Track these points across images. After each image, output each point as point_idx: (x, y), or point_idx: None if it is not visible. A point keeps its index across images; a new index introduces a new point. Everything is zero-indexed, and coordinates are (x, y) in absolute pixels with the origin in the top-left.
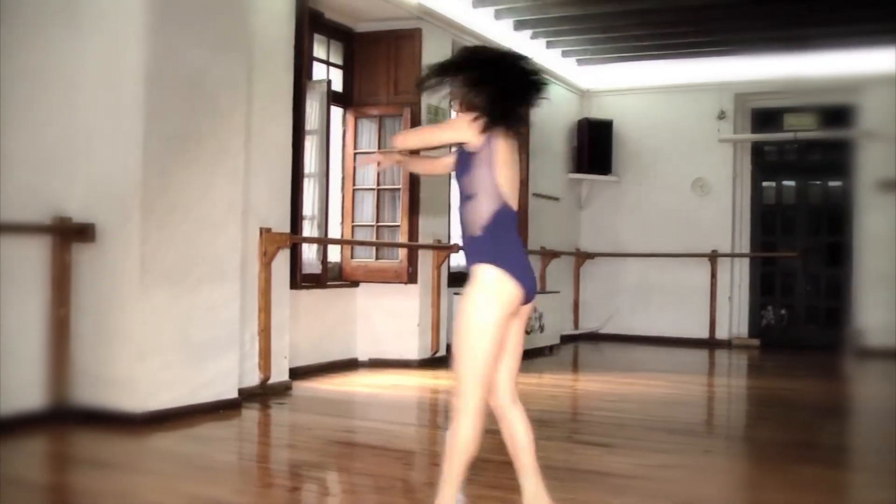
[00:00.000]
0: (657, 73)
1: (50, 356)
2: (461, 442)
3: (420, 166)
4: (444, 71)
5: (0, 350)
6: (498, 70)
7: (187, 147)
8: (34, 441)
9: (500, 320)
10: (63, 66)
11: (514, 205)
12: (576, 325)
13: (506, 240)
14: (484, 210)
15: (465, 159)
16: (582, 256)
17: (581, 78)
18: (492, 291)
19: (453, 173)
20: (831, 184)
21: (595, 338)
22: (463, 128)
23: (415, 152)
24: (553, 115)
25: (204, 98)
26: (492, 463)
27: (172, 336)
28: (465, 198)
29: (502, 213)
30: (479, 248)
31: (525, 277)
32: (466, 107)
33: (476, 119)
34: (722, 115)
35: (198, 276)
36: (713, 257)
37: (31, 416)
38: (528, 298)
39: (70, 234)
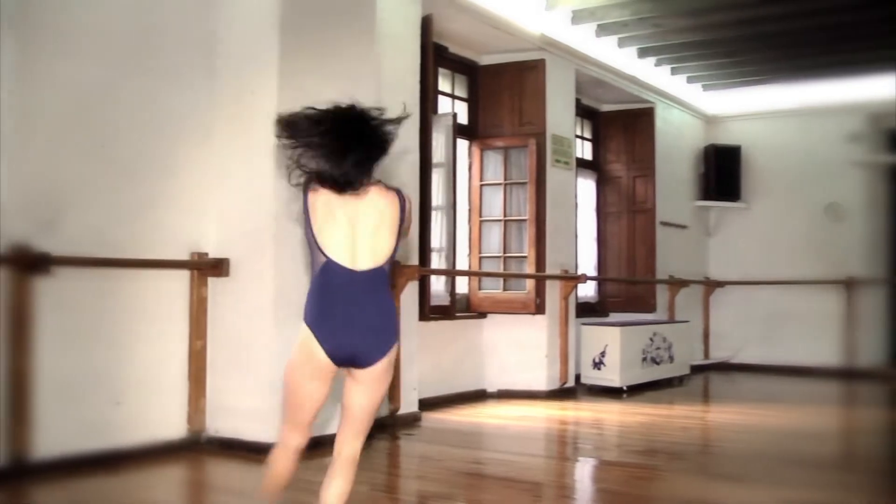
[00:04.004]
0: (786, 95)
1: (188, 387)
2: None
3: None
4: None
5: (144, 382)
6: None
7: None
8: (174, 469)
9: (297, 371)
10: (199, 109)
11: (347, 261)
12: (706, 355)
13: (320, 296)
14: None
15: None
16: (711, 285)
17: (706, 103)
18: (298, 343)
19: None
20: None
21: (726, 367)
22: None
23: None
24: (679, 141)
25: None
26: None
27: None
28: None
29: (324, 269)
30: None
31: (332, 339)
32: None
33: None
34: (855, 138)
35: None
36: (849, 284)
37: (171, 445)
38: (344, 362)
39: (206, 269)
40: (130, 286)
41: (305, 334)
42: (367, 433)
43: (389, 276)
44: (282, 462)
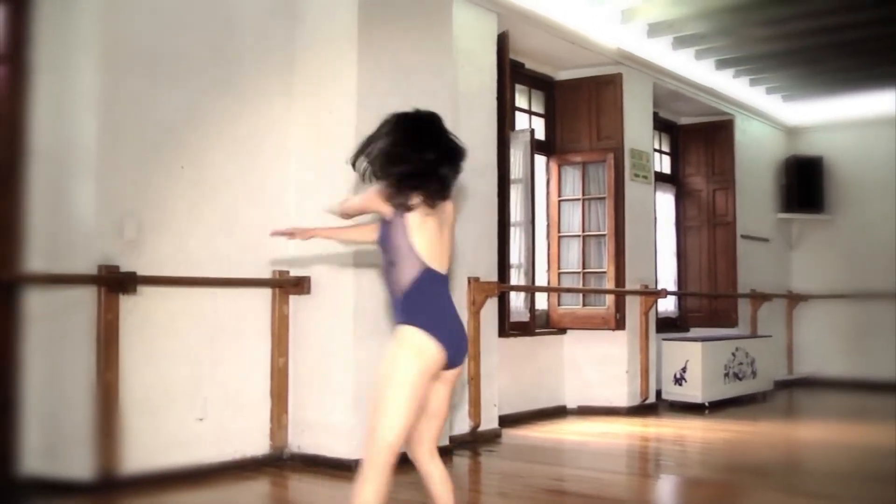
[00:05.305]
0: (868, 104)
1: (271, 404)
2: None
3: (347, 235)
4: (367, 143)
5: (227, 398)
6: (404, 138)
7: None
8: (256, 485)
9: (419, 379)
10: (278, 129)
11: (439, 268)
12: (790, 370)
13: (430, 303)
14: (405, 275)
15: (385, 228)
16: (795, 299)
17: (787, 114)
18: (411, 352)
19: (378, 241)
20: None
21: (811, 383)
22: (375, 201)
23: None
24: (759, 153)
25: None
26: None
27: None
28: (389, 263)
29: (425, 277)
30: (402, 311)
31: (449, 342)
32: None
33: (383, 192)
34: None
35: None
36: None
37: (254, 461)
38: (451, 363)
39: (288, 287)
40: (213, 304)
41: (421, 340)
42: None
43: None
44: (385, 482)
